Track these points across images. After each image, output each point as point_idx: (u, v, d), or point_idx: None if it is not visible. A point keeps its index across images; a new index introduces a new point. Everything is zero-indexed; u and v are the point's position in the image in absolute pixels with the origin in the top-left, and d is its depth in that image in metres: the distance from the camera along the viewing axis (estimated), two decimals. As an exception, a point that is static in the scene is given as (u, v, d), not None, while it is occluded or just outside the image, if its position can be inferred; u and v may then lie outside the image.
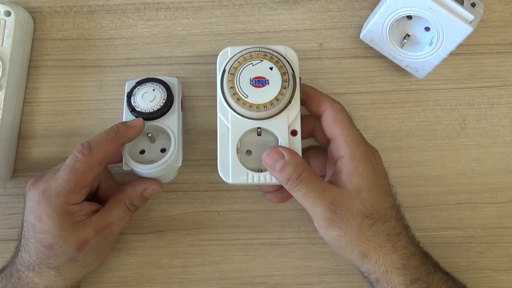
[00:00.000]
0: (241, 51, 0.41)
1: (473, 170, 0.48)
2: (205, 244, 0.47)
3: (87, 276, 0.46)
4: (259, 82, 0.40)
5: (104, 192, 0.45)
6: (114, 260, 0.47)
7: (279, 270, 0.47)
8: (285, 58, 0.41)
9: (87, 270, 0.43)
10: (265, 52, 0.41)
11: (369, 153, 0.41)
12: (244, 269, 0.47)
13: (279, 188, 0.44)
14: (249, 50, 0.41)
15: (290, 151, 0.39)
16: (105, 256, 0.44)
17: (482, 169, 0.48)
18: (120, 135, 0.41)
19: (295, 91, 0.41)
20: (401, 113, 0.49)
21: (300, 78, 0.42)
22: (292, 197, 0.45)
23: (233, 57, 0.41)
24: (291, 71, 0.41)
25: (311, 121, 0.45)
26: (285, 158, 0.39)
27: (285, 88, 0.40)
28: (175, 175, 0.47)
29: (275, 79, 0.40)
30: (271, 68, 0.40)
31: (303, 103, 0.43)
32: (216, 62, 0.43)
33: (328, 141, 0.43)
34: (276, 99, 0.40)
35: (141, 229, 0.47)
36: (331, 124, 0.41)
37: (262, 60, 0.41)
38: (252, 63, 0.41)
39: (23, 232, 0.41)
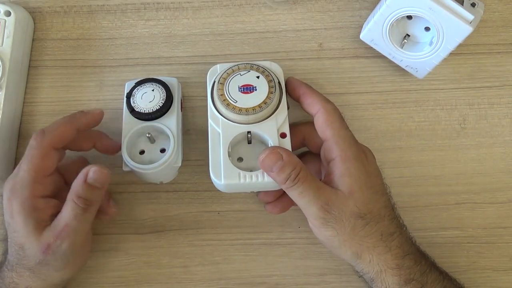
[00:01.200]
0: (230, 67, 0.44)
1: (473, 170, 0.48)
2: (205, 244, 0.47)
3: (88, 276, 0.46)
4: (247, 89, 0.42)
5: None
6: (114, 260, 0.47)
7: (279, 270, 0.47)
8: (271, 70, 0.44)
9: (62, 274, 0.41)
10: (252, 64, 0.44)
11: (361, 154, 0.41)
12: (244, 269, 0.47)
13: (278, 197, 0.45)
14: (237, 64, 0.44)
15: (287, 151, 0.39)
16: (80, 259, 0.43)
17: (482, 169, 0.48)
18: (74, 119, 0.42)
19: (281, 97, 0.43)
20: (401, 113, 0.49)
21: (286, 91, 0.44)
22: (292, 206, 0.45)
23: (222, 71, 0.44)
24: (277, 80, 0.43)
25: (300, 130, 0.45)
26: (283, 159, 0.39)
27: (272, 93, 0.42)
28: (175, 175, 0.47)
29: (262, 85, 0.43)
30: (258, 77, 0.43)
31: (297, 100, 0.44)
32: (215, 62, 0.46)
33: (319, 147, 0.43)
34: (264, 102, 0.42)
35: (141, 229, 0.47)
36: (323, 126, 0.42)
37: (249, 71, 0.43)
38: (240, 74, 0.43)
39: (7, 234, 0.41)
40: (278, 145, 0.41)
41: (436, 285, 0.40)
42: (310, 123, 0.44)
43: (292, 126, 0.43)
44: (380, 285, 0.40)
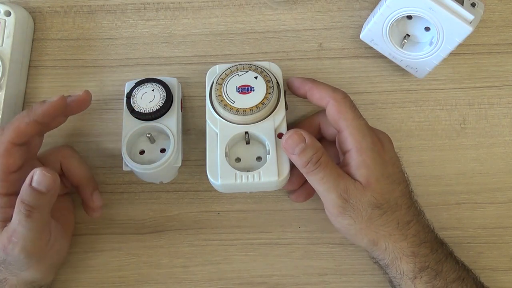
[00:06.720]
0: (229, 68, 0.44)
1: (473, 170, 0.48)
2: (205, 244, 0.47)
3: (88, 275, 0.47)
4: (245, 89, 0.42)
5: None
6: (115, 260, 0.47)
7: (279, 270, 0.47)
8: (269, 70, 0.44)
9: (29, 274, 0.40)
10: (250, 65, 0.44)
11: (376, 143, 0.41)
12: (244, 269, 0.47)
13: (301, 185, 0.45)
14: (236, 65, 0.44)
15: (310, 135, 0.39)
16: (46, 261, 0.41)
17: (482, 169, 0.48)
18: (31, 111, 0.40)
19: (279, 98, 0.43)
20: (401, 113, 0.49)
21: (285, 91, 0.44)
22: (314, 193, 0.45)
23: (220, 71, 0.44)
24: (275, 80, 0.43)
25: (315, 120, 0.45)
26: (306, 141, 0.39)
27: (269, 94, 0.42)
28: (175, 175, 0.47)
29: (260, 86, 0.42)
30: (256, 77, 0.43)
31: (304, 97, 0.44)
32: (215, 62, 0.46)
33: (335, 136, 0.43)
34: (262, 103, 0.42)
35: (141, 229, 0.47)
36: (335, 118, 0.41)
37: (247, 71, 0.43)
38: (238, 74, 0.43)
39: None
40: (275, 145, 0.41)
41: (451, 274, 0.40)
42: (325, 111, 0.43)
43: (308, 116, 0.44)
44: (394, 272, 0.40)
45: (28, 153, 0.41)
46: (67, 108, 0.42)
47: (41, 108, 0.40)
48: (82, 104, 0.43)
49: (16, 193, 0.38)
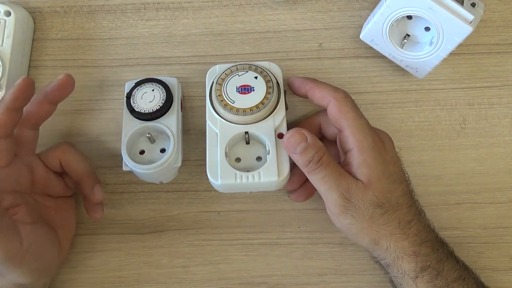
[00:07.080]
0: (229, 68, 0.44)
1: (473, 170, 0.48)
2: (205, 244, 0.47)
3: (88, 276, 0.47)
4: (245, 89, 0.42)
5: (43, 185, 0.43)
6: (114, 260, 0.47)
7: (279, 270, 0.47)
8: (269, 70, 0.44)
9: (16, 279, 0.39)
10: (250, 65, 0.44)
11: (377, 142, 0.41)
12: (244, 269, 0.47)
13: (301, 185, 0.45)
14: (236, 65, 0.44)
15: (312, 134, 0.39)
16: (33, 271, 0.39)
17: (482, 169, 0.48)
18: (1, 102, 0.39)
19: (280, 97, 0.43)
20: (401, 113, 0.49)
21: (285, 91, 0.44)
22: (314, 193, 0.45)
23: (220, 71, 0.44)
24: (275, 80, 0.43)
25: (316, 120, 0.45)
26: (308, 140, 0.39)
27: (269, 94, 0.42)
28: (175, 175, 0.47)
29: (260, 86, 0.42)
30: (256, 77, 0.43)
31: (304, 97, 0.44)
32: (215, 62, 0.46)
33: (335, 136, 0.43)
34: (262, 103, 0.42)
35: (141, 229, 0.47)
36: (336, 117, 0.41)
37: (247, 71, 0.43)
38: (238, 74, 0.43)
39: None
40: (275, 145, 0.41)
41: (452, 273, 0.40)
42: (325, 111, 0.43)
43: (308, 116, 0.44)
44: (396, 271, 0.40)
45: (14, 145, 0.40)
46: (51, 95, 0.41)
47: (8, 94, 0.39)
48: (65, 88, 0.42)
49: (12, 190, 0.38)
